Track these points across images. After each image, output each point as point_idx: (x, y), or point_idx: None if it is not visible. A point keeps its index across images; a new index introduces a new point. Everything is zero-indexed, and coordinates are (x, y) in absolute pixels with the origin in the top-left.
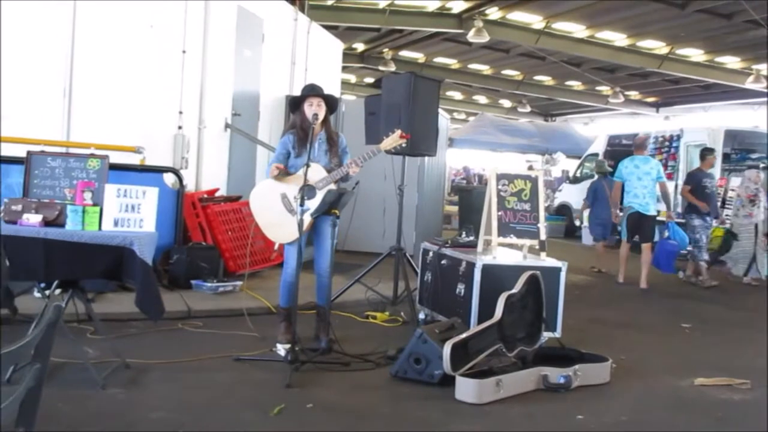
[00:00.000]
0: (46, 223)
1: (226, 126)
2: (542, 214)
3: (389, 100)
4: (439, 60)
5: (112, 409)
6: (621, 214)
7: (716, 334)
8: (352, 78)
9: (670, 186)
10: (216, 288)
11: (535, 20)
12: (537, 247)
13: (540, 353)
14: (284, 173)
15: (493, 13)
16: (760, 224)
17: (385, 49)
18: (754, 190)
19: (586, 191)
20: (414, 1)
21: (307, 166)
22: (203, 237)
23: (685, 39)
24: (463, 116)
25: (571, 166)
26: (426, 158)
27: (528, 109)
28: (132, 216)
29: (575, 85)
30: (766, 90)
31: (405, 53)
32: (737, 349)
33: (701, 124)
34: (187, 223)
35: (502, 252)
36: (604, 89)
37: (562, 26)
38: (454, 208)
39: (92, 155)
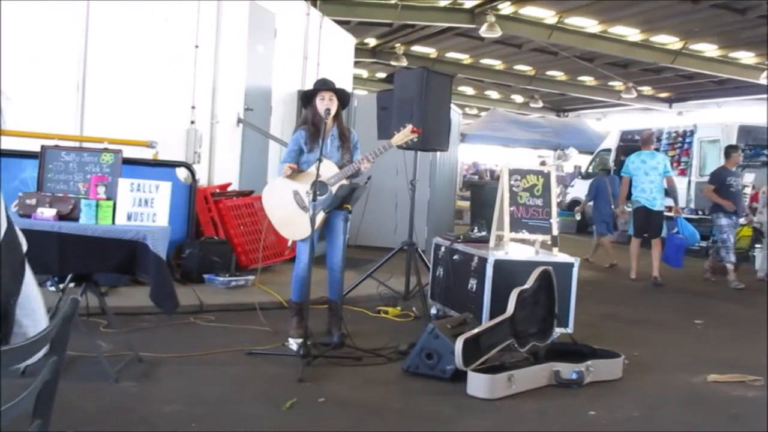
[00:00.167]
0: (60, 217)
1: (239, 121)
2: (554, 209)
3: (401, 95)
4: (451, 55)
5: (125, 402)
6: (628, 209)
7: (729, 330)
8: (364, 73)
9: (683, 182)
10: (228, 282)
11: (547, 15)
12: (549, 242)
13: (552, 349)
14: (297, 172)
15: (506, 7)
16: None
17: (397, 44)
18: None
19: (588, 187)
20: None
21: (319, 161)
22: (215, 231)
23: (699, 34)
24: (474, 111)
25: (584, 161)
26: (438, 153)
27: (540, 104)
28: (145, 210)
29: (588, 80)
30: None
31: (417, 48)
32: (751, 345)
33: (715, 120)
34: (200, 218)
35: (514, 247)
36: (617, 84)
37: (575, 21)
38: (466, 204)
39: (106, 150)
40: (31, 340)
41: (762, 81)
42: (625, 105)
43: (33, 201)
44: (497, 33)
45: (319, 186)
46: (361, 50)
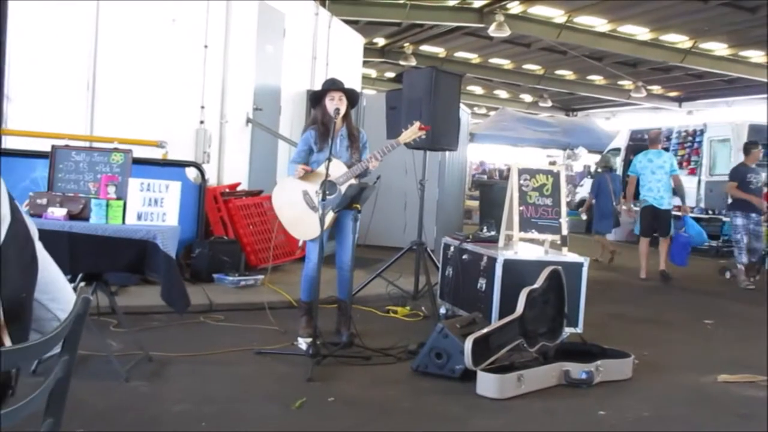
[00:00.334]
0: (71, 216)
1: (248, 121)
2: (564, 209)
3: (410, 94)
4: (460, 54)
5: (135, 401)
6: (636, 208)
7: (739, 330)
8: (373, 73)
9: (693, 181)
10: (237, 282)
11: (556, 14)
12: (558, 242)
13: (561, 348)
14: (308, 173)
15: (514, 7)
16: None
17: (406, 44)
18: None
19: (591, 186)
20: None
21: (329, 160)
22: (225, 231)
23: (709, 33)
24: (483, 111)
25: (593, 161)
26: (447, 153)
27: (549, 103)
28: (155, 210)
29: (597, 79)
30: None
31: (426, 48)
32: (761, 346)
33: (725, 119)
34: (209, 218)
35: (523, 247)
36: (626, 84)
37: (584, 20)
38: (475, 203)
39: (116, 149)
40: (43, 338)
41: None
42: (634, 104)
43: (44, 201)
44: (506, 32)
45: (328, 186)
46: (369, 50)
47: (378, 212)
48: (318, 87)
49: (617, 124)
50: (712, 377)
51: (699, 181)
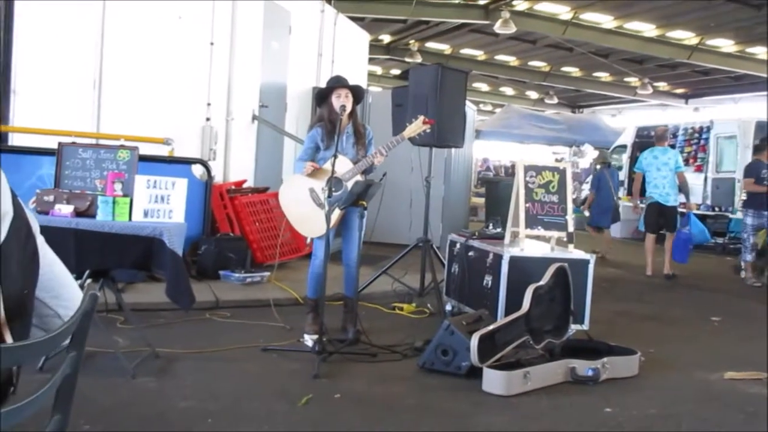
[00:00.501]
0: (78, 213)
1: (254, 118)
2: (570, 206)
3: (416, 91)
4: (466, 51)
5: (142, 397)
6: (642, 205)
7: (746, 327)
8: (379, 70)
9: (699, 178)
10: (244, 279)
11: (562, 11)
12: (565, 239)
13: (568, 345)
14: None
15: (520, 3)
16: None
17: (412, 41)
18: None
19: (591, 181)
20: None
21: (335, 157)
22: (231, 228)
23: (715, 29)
24: (489, 108)
25: None
26: (453, 150)
27: (555, 100)
28: (161, 207)
29: (603, 76)
30: None
31: (431, 45)
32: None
33: (731, 116)
34: (215, 214)
35: (529, 244)
36: (633, 80)
37: (590, 17)
38: (481, 200)
39: (122, 146)
40: (49, 335)
41: None
42: (640, 101)
43: (50, 198)
44: (512, 29)
45: (334, 183)
46: (375, 47)
47: (384, 209)
48: (324, 84)
49: (623, 121)
50: (718, 374)
51: (705, 178)
